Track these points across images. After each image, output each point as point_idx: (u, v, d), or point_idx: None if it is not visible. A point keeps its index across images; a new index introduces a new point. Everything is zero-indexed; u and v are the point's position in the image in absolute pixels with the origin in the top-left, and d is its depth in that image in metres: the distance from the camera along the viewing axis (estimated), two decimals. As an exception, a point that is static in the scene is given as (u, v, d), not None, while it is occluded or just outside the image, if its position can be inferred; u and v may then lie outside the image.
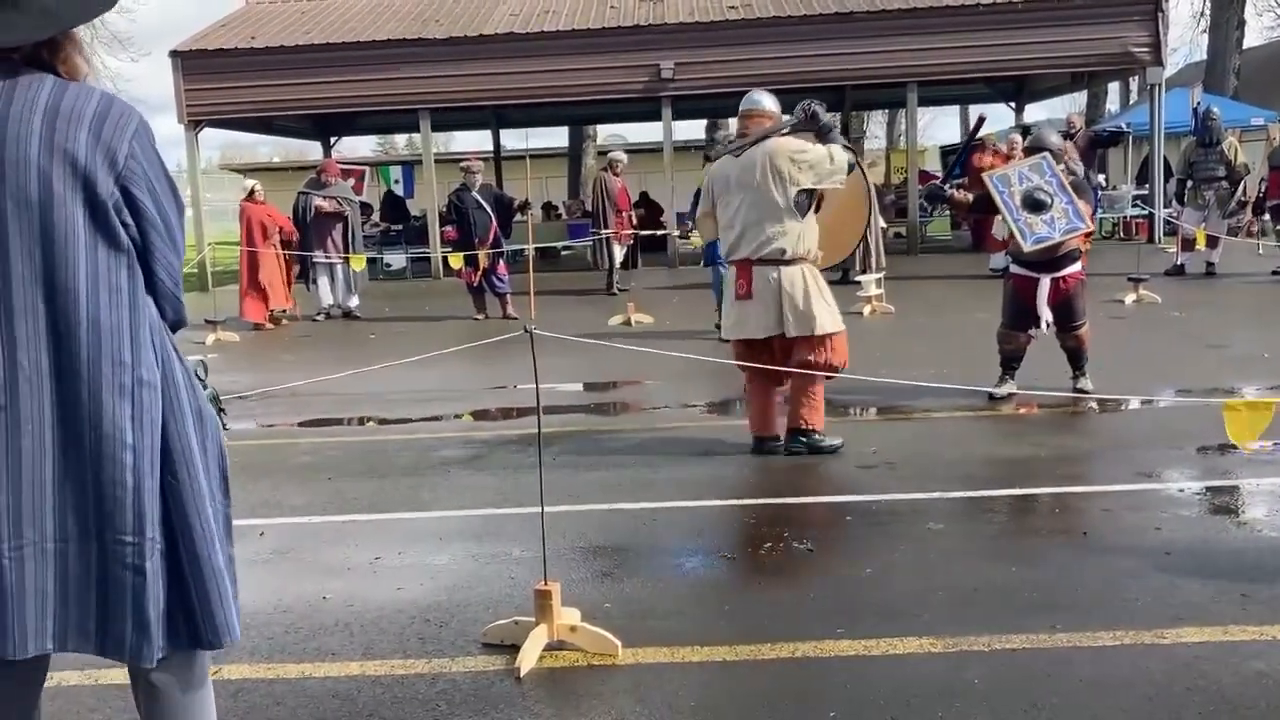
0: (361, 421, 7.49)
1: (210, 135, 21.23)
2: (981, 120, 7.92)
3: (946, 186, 6.98)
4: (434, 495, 5.34)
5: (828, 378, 5.75)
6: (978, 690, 3.10)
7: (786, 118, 5.74)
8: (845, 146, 5.63)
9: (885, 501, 4.92)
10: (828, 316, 5.58)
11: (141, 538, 2.07)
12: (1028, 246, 6.59)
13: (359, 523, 4.94)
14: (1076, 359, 6.89)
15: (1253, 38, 34.65)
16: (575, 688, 3.25)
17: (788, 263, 5.53)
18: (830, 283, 5.75)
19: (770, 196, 5.47)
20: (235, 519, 2.33)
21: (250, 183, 12.98)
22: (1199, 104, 14.71)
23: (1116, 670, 3.18)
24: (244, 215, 12.52)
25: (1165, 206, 16.05)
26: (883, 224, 14.10)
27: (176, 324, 2.23)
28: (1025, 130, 18.92)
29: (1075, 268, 6.74)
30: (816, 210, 5.64)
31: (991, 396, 6.73)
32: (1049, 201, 6.53)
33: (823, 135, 5.61)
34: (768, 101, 5.84)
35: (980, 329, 9.75)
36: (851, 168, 5.61)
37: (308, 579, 4.24)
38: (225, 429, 2.35)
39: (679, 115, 18.69)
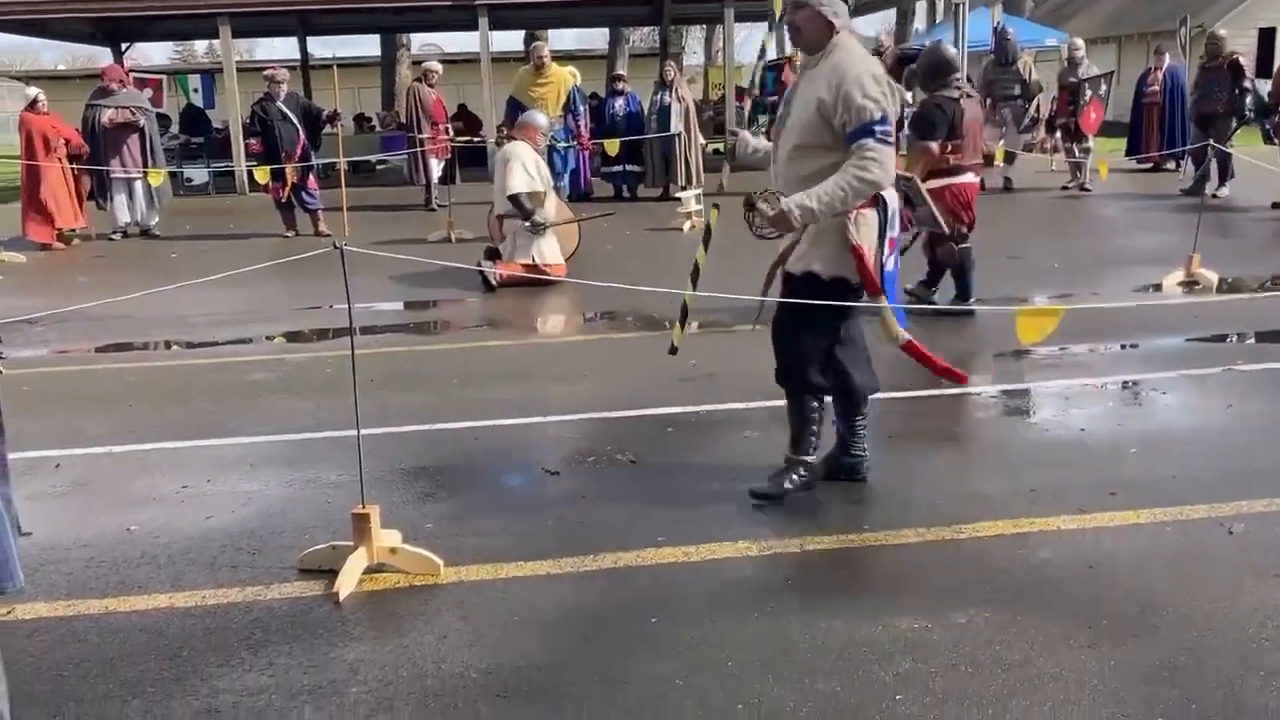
0: (168, 346, 7.13)
1: (-18, 38, 19.41)
2: None
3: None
4: (244, 421, 5.14)
5: None
6: (789, 589, 3.23)
7: None
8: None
9: (705, 412, 5.03)
10: None
11: None
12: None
13: (164, 451, 4.71)
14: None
15: (1048, -39, 36.23)
16: (397, 609, 3.22)
17: None
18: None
19: None
20: (27, 451, 2.19)
21: (33, 91, 11.95)
22: (998, 24, 15.26)
23: (917, 564, 3.37)
24: (24, 127, 11.57)
25: (967, 123, 16.66)
26: (701, 141, 14.17)
27: None
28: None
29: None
30: None
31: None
32: None
33: None
34: None
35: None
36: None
37: (110, 511, 4.02)
38: (1, 358, 2.17)
39: (496, 25, 18.14)
